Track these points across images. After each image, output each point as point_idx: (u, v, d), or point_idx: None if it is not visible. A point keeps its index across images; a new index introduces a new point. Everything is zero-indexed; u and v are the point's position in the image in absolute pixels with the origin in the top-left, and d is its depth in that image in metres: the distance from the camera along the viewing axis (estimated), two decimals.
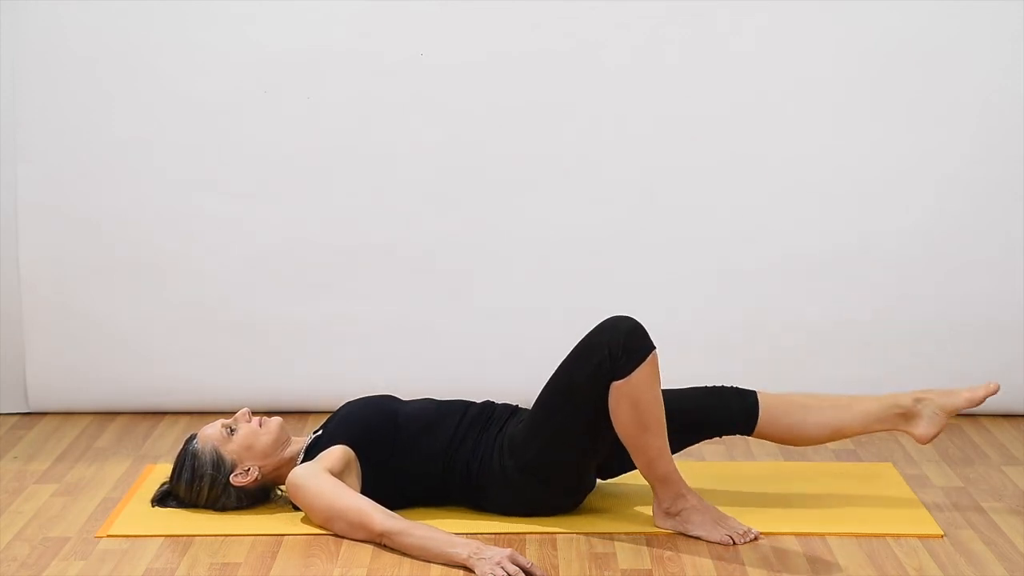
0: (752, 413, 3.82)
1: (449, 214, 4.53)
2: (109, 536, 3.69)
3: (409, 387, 4.10)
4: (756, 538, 3.64)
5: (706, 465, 4.18)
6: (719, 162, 4.51)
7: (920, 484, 4.02)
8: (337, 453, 3.71)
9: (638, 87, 4.47)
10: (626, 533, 3.68)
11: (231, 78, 4.46)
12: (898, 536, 3.66)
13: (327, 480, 3.64)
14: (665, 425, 3.60)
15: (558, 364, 3.65)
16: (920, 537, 3.65)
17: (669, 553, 3.57)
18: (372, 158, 4.51)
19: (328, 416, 3.91)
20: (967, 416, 4.58)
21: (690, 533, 3.65)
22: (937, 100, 4.46)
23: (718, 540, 3.62)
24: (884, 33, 4.43)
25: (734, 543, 3.61)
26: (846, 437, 3.86)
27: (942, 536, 3.66)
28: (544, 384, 3.68)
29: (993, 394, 3.79)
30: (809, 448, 4.32)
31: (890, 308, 4.55)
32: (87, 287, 4.56)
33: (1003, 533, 3.69)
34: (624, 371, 3.54)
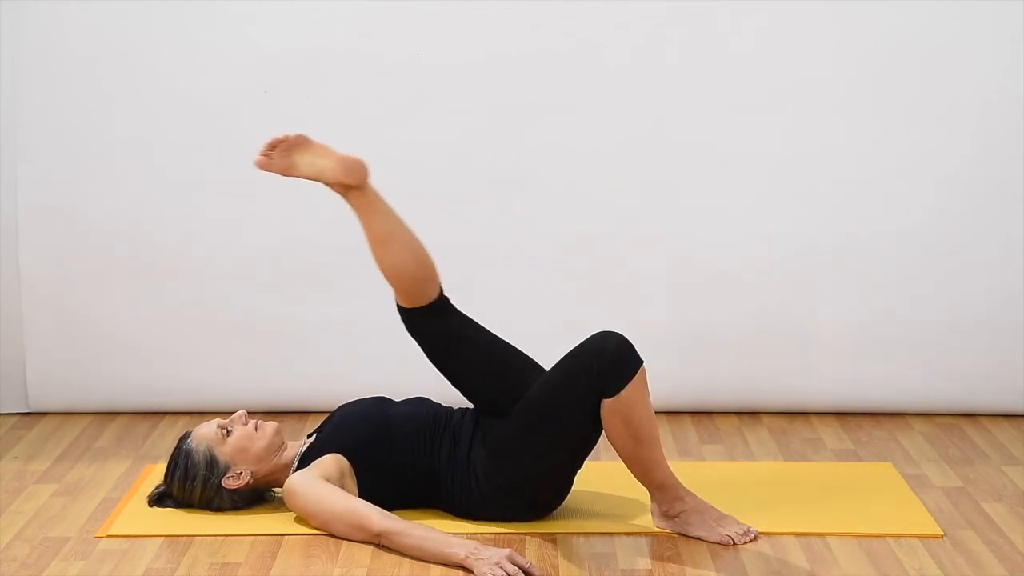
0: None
1: (449, 214, 4.53)
2: (109, 536, 3.70)
3: (408, 388, 4.09)
4: (756, 538, 3.64)
5: (706, 465, 4.18)
6: (719, 162, 4.50)
7: (920, 484, 4.02)
8: (330, 462, 3.71)
9: (638, 87, 4.47)
10: (626, 533, 3.68)
11: (231, 78, 4.46)
12: (898, 536, 3.66)
13: (322, 486, 3.64)
14: (658, 436, 3.61)
15: (546, 373, 3.65)
16: (920, 537, 3.65)
17: (669, 553, 3.57)
18: (372, 158, 4.49)
19: (325, 418, 3.91)
20: (967, 416, 4.59)
21: (690, 534, 3.65)
22: (937, 100, 4.45)
23: (718, 540, 3.62)
24: (884, 33, 4.43)
25: (734, 543, 3.61)
26: (388, 234, 3.71)
27: (942, 536, 3.66)
28: (526, 398, 3.67)
29: (286, 140, 3.62)
30: (809, 448, 4.33)
31: (890, 308, 4.55)
32: (87, 287, 4.56)
33: (1003, 533, 3.68)
34: (614, 389, 3.53)
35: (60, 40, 4.44)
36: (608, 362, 3.53)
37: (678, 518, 3.66)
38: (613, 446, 3.61)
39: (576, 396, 3.56)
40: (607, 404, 3.54)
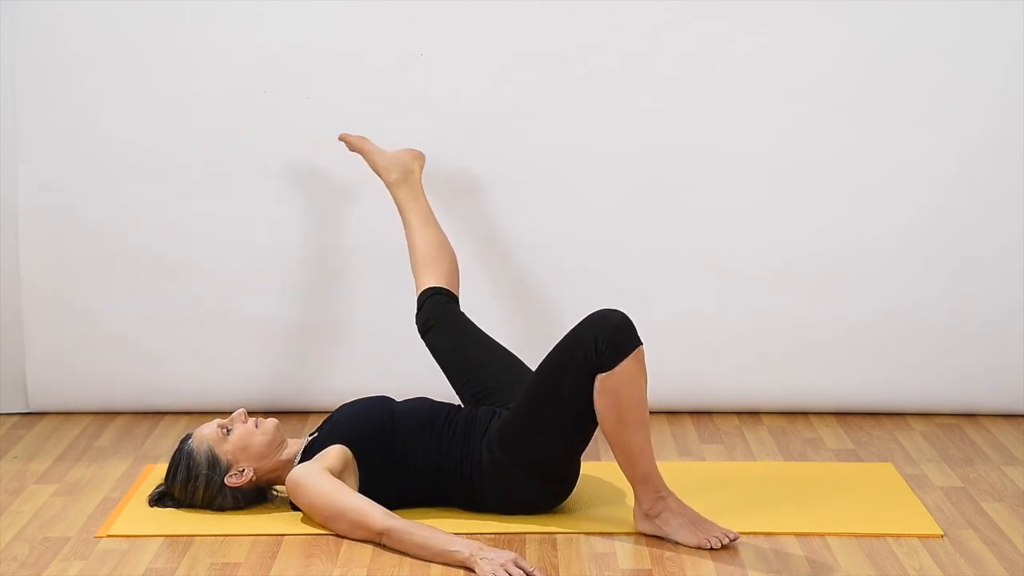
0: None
1: (448, 214, 4.52)
2: (109, 536, 3.70)
3: (409, 388, 4.09)
4: (735, 539, 3.60)
5: (706, 465, 4.18)
6: (719, 163, 4.50)
7: (920, 484, 4.02)
8: (336, 453, 3.71)
9: (639, 89, 4.46)
10: (626, 533, 3.68)
11: (231, 78, 4.46)
12: (898, 536, 3.66)
13: (327, 480, 3.64)
14: (648, 423, 3.58)
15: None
16: (920, 537, 3.65)
17: (669, 553, 3.57)
18: None
19: (326, 417, 3.91)
20: (967, 416, 4.59)
21: (668, 537, 3.60)
22: (938, 101, 4.45)
23: (696, 544, 3.58)
24: (885, 35, 4.42)
25: (711, 547, 3.58)
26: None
27: (942, 536, 3.66)
28: (531, 376, 3.70)
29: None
30: (809, 448, 4.33)
31: (891, 308, 4.55)
32: (87, 287, 4.56)
33: (1003, 533, 3.69)
34: (609, 364, 3.53)
35: (60, 40, 4.43)
36: (606, 336, 3.53)
37: (658, 518, 3.62)
38: (601, 427, 3.57)
39: (575, 369, 3.55)
40: (601, 379, 3.53)
